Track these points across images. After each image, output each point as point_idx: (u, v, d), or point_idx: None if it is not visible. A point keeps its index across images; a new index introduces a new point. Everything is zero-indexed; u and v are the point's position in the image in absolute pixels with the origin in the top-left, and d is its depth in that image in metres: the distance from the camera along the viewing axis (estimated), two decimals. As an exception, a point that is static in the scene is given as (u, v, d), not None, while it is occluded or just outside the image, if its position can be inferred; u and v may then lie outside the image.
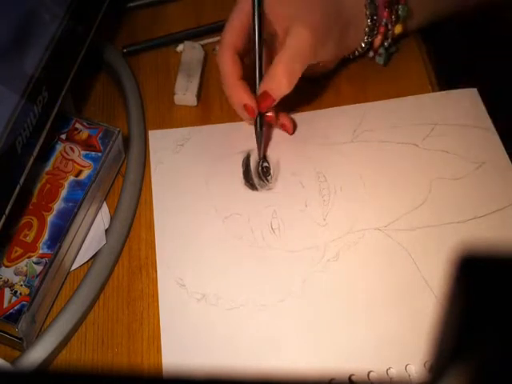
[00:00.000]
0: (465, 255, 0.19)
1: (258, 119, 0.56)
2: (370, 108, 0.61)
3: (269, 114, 0.56)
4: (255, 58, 0.55)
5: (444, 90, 0.62)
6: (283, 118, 0.58)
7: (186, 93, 0.62)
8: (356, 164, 0.57)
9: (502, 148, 0.57)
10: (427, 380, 0.20)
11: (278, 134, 0.59)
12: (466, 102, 0.60)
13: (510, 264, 0.19)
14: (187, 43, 0.65)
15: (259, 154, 0.57)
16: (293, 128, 0.59)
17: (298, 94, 0.62)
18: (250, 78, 0.56)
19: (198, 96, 0.62)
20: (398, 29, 0.61)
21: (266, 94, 0.54)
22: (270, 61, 0.55)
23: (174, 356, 0.48)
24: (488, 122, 0.59)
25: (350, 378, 0.46)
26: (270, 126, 0.59)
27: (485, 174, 0.55)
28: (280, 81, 0.54)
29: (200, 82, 0.63)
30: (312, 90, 0.62)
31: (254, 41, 0.54)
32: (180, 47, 0.66)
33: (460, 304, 0.19)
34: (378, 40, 0.61)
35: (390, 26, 0.60)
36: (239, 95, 0.55)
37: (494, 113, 0.59)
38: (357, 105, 0.61)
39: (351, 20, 0.58)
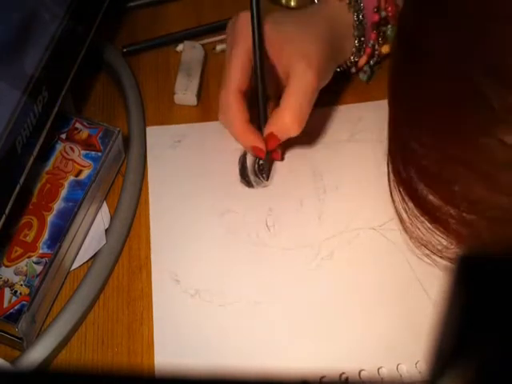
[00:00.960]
0: (465, 255, 0.19)
1: (267, 157, 0.56)
2: (368, 108, 0.61)
3: (277, 151, 0.57)
4: (258, 95, 0.54)
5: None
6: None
7: (185, 92, 0.62)
8: (352, 163, 0.57)
9: None
10: (427, 380, 0.20)
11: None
12: None
13: (510, 264, 0.19)
14: (187, 43, 0.65)
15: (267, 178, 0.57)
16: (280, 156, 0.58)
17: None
18: (254, 118, 0.55)
19: (198, 95, 0.62)
20: (386, 49, 0.60)
21: (273, 136, 0.54)
22: (275, 95, 0.55)
23: (166, 350, 0.48)
24: None
25: (340, 376, 0.46)
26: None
27: None
28: (289, 125, 0.53)
29: (200, 81, 0.63)
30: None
31: (257, 75, 0.53)
32: (180, 47, 0.66)
33: (460, 304, 0.19)
34: (362, 60, 0.60)
35: (376, 47, 0.60)
36: (248, 139, 0.54)
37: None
38: (355, 104, 0.61)
39: (342, 41, 0.58)
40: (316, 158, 0.58)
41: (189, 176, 0.57)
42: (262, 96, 0.54)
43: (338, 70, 0.61)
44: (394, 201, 0.43)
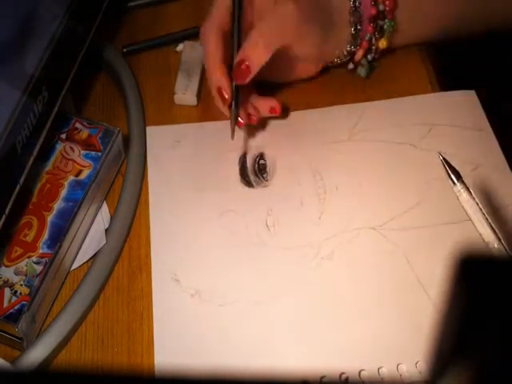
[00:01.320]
0: (465, 255, 0.19)
1: (235, 95, 0.55)
2: (368, 107, 0.61)
3: (253, 117, 0.56)
4: (233, 28, 0.54)
5: (444, 90, 0.62)
6: (270, 101, 0.57)
7: (186, 92, 0.62)
8: (352, 163, 0.57)
9: (499, 150, 0.57)
10: (427, 380, 0.20)
11: (274, 131, 0.59)
12: (463, 104, 0.60)
13: (510, 264, 0.19)
14: (187, 43, 0.65)
15: (232, 136, 0.56)
16: (280, 108, 0.57)
17: (296, 91, 0.62)
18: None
19: (198, 95, 0.62)
20: (383, 43, 0.60)
21: (241, 62, 0.53)
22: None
23: (166, 350, 0.48)
24: (485, 123, 0.59)
25: (340, 375, 0.46)
26: (266, 123, 0.59)
27: (481, 176, 0.55)
28: (254, 46, 0.52)
29: (200, 81, 0.63)
30: (310, 88, 0.62)
31: (234, 4, 0.53)
32: (180, 47, 0.66)
33: (460, 304, 0.19)
34: (359, 53, 0.60)
35: (373, 41, 0.60)
36: (216, 77, 0.54)
37: (491, 114, 0.59)
38: (355, 104, 0.61)
39: (335, 21, 0.58)
40: (316, 157, 0.58)
41: (188, 176, 0.57)
42: (238, 27, 0.54)
43: (338, 61, 0.61)
44: None
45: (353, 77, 0.63)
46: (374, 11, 0.58)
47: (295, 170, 0.57)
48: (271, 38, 0.53)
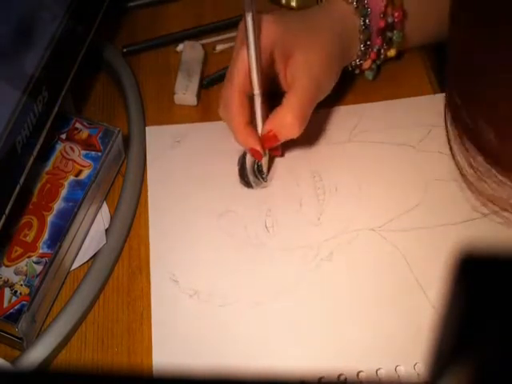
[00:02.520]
0: (465, 255, 0.19)
1: (265, 160, 0.56)
2: (368, 109, 0.61)
3: (278, 148, 0.57)
4: (253, 96, 0.53)
5: (444, 91, 0.62)
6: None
7: (186, 92, 0.62)
8: (352, 164, 0.57)
9: None
10: (427, 380, 0.20)
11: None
12: None
13: (510, 264, 0.19)
14: (187, 43, 0.65)
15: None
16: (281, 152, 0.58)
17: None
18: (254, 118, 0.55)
19: (198, 95, 0.62)
20: (392, 53, 0.60)
21: (271, 135, 0.53)
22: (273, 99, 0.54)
23: (164, 350, 0.48)
24: None
25: (339, 377, 0.46)
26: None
27: None
28: (289, 125, 0.52)
29: (200, 81, 0.63)
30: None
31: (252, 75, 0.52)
32: (180, 47, 0.66)
33: (460, 304, 0.19)
34: (367, 63, 0.60)
35: (382, 51, 0.60)
36: (247, 141, 0.54)
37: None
38: (354, 105, 0.61)
39: (348, 45, 0.57)
40: (315, 158, 0.58)
41: (188, 176, 0.57)
42: (260, 101, 0.54)
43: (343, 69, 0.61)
44: (454, 155, 0.41)
45: (353, 78, 0.63)
46: (382, 24, 0.58)
47: (294, 171, 0.57)
48: (301, 114, 0.53)
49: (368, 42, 0.58)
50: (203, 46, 0.65)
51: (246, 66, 0.52)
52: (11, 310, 0.47)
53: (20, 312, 0.47)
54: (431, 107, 0.60)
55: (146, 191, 0.56)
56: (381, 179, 0.56)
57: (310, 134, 0.59)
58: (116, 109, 0.62)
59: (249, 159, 0.57)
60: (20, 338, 0.47)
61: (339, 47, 0.56)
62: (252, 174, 0.57)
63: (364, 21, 0.57)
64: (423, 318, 0.47)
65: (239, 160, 0.58)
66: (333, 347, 0.48)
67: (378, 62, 0.61)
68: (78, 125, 0.56)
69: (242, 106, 0.53)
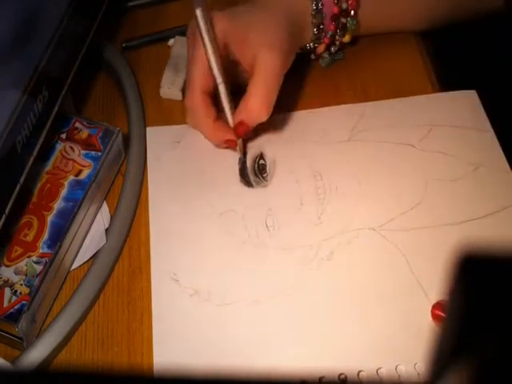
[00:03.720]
0: (465, 255, 0.19)
1: (240, 144, 0.57)
2: (368, 108, 0.61)
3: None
4: (217, 86, 0.54)
5: (444, 89, 0.62)
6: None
7: (171, 87, 0.62)
8: (352, 163, 0.57)
9: (500, 150, 0.57)
10: (427, 380, 0.20)
11: (274, 131, 0.59)
12: (464, 104, 0.60)
13: (510, 263, 0.19)
14: (178, 38, 0.65)
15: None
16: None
17: (296, 92, 0.62)
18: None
19: (183, 90, 0.62)
20: (346, 39, 0.61)
21: (242, 124, 0.54)
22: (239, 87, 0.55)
23: (164, 349, 0.48)
24: (486, 124, 0.59)
25: (339, 376, 0.46)
26: (267, 124, 0.59)
27: (482, 176, 0.55)
28: (257, 111, 0.54)
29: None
30: (311, 88, 0.63)
31: (212, 67, 0.53)
32: (171, 41, 0.66)
33: (460, 304, 0.19)
34: (320, 48, 0.61)
35: (337, 37, 0.60)
36: (219, 136, 0.56)
37: (493, 115, 0.59)
38: (355, 104, 0.61)
39: (301, 28, 0.58)
40: (316, 158, 0.58)
41: (188, 176, 0.57)
42: (225, 90, 0.54)
43: (299, 51, 0.61)
44: None
45: (353, 77, 0.63)
46: (336, 10, 0.59)
47: (295, 170, 0.57)
48: (267, 99, 0.54)
49: (321, 27, 0.59)
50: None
51: (204, 63, 0.53)
52: (11, 310, 0.47)
53: (20, 312, 0.47)
54: (431, 106, 0.60)
55: (146, 191, 0.56)
56: (381, 178, 0.56)
57: (311, 134, 0.59)
58: (116, 109, 0.62)
59: (249, 159, 0.57)
60: (20, 338, 0.47)
61: (292, 29, 0.57)
62: (252, 173, 0.57)
63: (316, 5, 0.58)
64: (423, 318, 0.47)
65: (240, 159, 0.58)
66: (333, 347, 0.48)
67: (333, 50, 0.62)
68: (77, 124, 0.56)
69: (207, 107, 0.55)
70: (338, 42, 0.61)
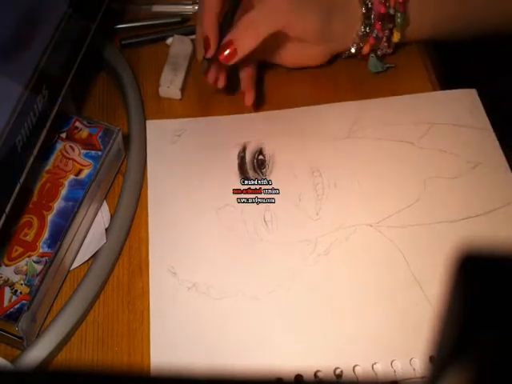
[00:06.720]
0: (464, 254, 0.19)
1: (206, 63, 0.57)
2: (368, 105, 0.61)
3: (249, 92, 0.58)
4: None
5: (444, 88, 0.62)
6: (249, 93, 0.59)
7: (170, 86, 0.62)
8: (351, 160, 0.57)
9: (499, 149, 0.57)
10: (427, 379, 0.20)
11: (274, 127, 0.59)
12: (464, 103, 0.60)
13: (510, 263, 0.19)
14: (176, 37, 0.65)
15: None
16: (251, 99, 0.59)
17: (297, 88, 0.62)
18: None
19: (183, 90, 0.62)
20: (396, 37, 0.60)
21: (229, 43, 0.54)
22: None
23: (162, 342, 0.48)
24: (486, 122, 0.59)
25: (335, 370, 0.46)
26: (266, 119, 0.59)
27: (480, 174, 0.55)
28: (246, 33, 0.54)
29: (185, 76, 0.63)
30: (311, 85, 0.63)
31: None
32: (169, 40, 0.66)
33: (459, 303, 0.19)
34: (366, 48, 0.60)
35: (384, 38, 0.60)
36: (207, 25, 0.56)
37: (492, 113, 0.59)
38: (354, 101, 0.61)
39: (340, 4, 0.58)
40: (315, 154, 0.58)
41: (188, 170, 0.57)
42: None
43: (347, 53, 0.61)
44: None
45: (353, 74, 0.63)
46: (382, 9, 0.58)
47: (294, 166, 0.57)
48: (260, 25, 0.54)
49: (370, 5, 0.58)
50: (193, 41, 0.65)
51: None
52: (11, 310, 0.47)
53: (20, 311, 0.47)
54: (431, 104, 0.60)
55: (146, 190, 0.56)
56: (380, 175, 0.56)
57: (310, 130, 0.59)
58: (116, 108, 0.62)
59: (249, 154, 0.57)
60: (20, 337, 0.47)
61: (339, 15, 0.57)
62: (251, 168, 0.57)
63: (366, 4, 0.58)
64: (420, 314, 0.47)
65: (239, 154, 0.58)
66: (329, 341, 0.48)
67: (380, 53, 0.61)
68: (78, 124, 0.56)
69: (217, 1, 0.56)
70: (385, 44, 0.60)
